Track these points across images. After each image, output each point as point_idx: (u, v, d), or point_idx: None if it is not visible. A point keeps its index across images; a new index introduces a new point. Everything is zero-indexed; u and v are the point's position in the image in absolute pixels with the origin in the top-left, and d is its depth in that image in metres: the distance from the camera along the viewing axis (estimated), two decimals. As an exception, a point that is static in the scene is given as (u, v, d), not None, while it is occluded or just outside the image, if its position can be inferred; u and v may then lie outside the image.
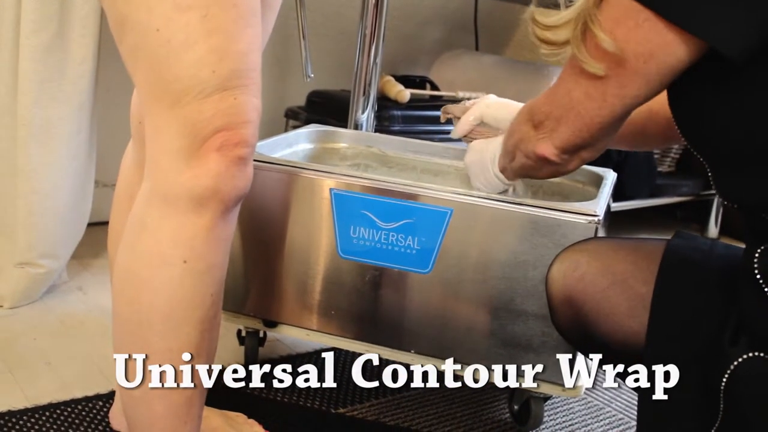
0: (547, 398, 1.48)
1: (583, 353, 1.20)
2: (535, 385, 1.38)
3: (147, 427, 1.02)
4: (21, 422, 1.37)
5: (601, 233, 1.33)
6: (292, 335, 1.50)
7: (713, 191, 2.90)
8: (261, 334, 1.63)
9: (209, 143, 0.95)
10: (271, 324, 1.49)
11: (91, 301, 1.91)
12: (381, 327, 1.43)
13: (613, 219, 1.53)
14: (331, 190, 1.41)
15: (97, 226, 2.24)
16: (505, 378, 1.39)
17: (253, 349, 1.62)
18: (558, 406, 1.60)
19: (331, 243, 1.41)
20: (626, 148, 1.38)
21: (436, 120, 2.33)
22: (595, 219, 1.30)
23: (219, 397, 1.40)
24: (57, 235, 1.86)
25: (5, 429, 1.35)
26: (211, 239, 0.97)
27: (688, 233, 1.05)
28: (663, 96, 0.99)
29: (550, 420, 1.55)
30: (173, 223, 0.96)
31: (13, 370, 1.56)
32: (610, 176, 1.57)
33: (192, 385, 1.00)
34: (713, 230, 2.95)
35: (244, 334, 1.61)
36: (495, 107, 1.36)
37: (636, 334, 0.99)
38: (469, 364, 1.41)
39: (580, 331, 1.10)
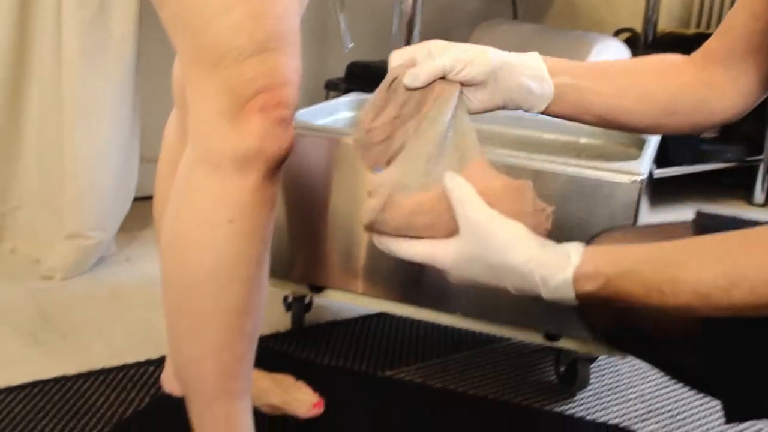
0: (593, 360, 1.48)
1: (620, 349, 1.14)
2: (578, 345, 1.39)
3: (199, 386, 1.03)
4: (75, 386, 1.41)
5: (644, 197, 1.32)
6: (339, 300, 1.51)
7: (759, 156, 2.86)
8: (307, 301, 1.65)
9: (251, 105, 0.95)
10: (318, 289, 1.50)
11: (138, 271, 1.94)
12: (426, 289, 1.44)
13: (656, 186, 1.51)
14: (373, 154, 1.41)
15: (143, 200, 2.27)
16: (550, 338, 1.39)
17: (299, 314, 1.64)
18: (604, 368, 1.60)
19: (375, 207, 1.42)
20: (646, 126, 1.07)
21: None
22: (639, 179, 1.30)
23: (267, 361, 1.41)
24: (104, 207, 1.89)
25: (60, 393, 1.39)
26: (255, 199, 0.98)
27: (709, 212, 0.99)
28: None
29: (597, 381, 1.55)
30: (218, 184, 0.97)
31: (66, 338, 1.60)
32: (653, 138, 1.55)
33: (242, 344, 1.02)
34: (759, 196, 2.91)
35: (290, 300, 1.63)
36: (467, 53, 0.93)
37: (682, 321, 0.87)
38: (515, 325, 1.41)
39: (616, 326, 1.04)
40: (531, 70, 0.95)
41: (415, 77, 0.89)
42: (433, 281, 1.43)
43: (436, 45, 0.93)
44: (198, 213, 0.97)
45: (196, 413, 1.05)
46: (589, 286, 0.79)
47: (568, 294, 0.80)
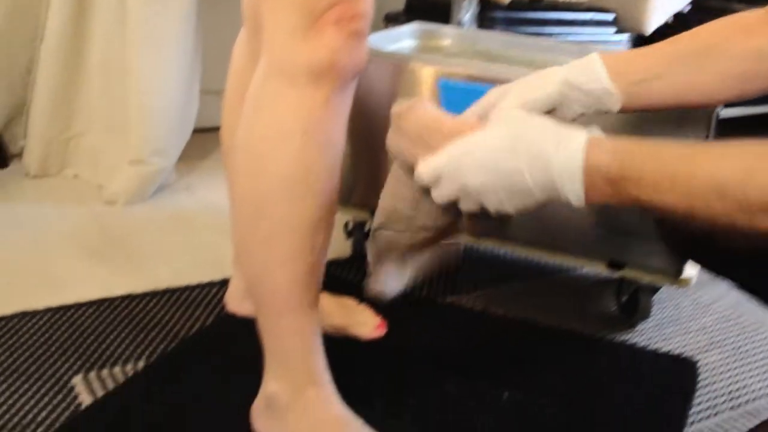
0: (655, 290, 1.47)
1: (695, 262, 1.11)
2: (642, 275, 1.38)
3: (270, 297, 1.04)
4: (141, 304, 1.44)
5: (713, 132, 1.30)
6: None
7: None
8: (367, 228, 1.66)
9: (326, 17, 0.95)
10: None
11: (199, 199, 1.96)
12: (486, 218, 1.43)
13: (720, 126, 1.46)
14: (437, 80, 1.40)
15: (202, 132, 2.28)
16: (614, 267, 1.38)
17: (359, 241, 1.64)
18: (665, 301, 1.59)
19: (440, 132, 1.41)
20: (726, 98, 1.04)
21: (538, 22, 2.30)
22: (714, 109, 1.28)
23: (328, 286, 1.42)
24: (166, 134, 1.91)
25: (127, 310, 1.42)
26: (329, 112, 0.98)
27: None
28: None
29: (658, 313, 1.54)
30: (292, 96, 0.97)
31: (130, 260, 1.62)
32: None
33: (313, 255, 1.02)
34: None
35: (351, 227, 1.64)
36: (526, 85, 1.00)
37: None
38: (578, 254, 1.40)
39: (693, 238, 1.02)
40: (594, 83, 0.96)
41: None
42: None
43: (497, 91, 0.99)
44: (272, 124, 0.98)
45: (265, 325, 1.06)
46: (602, 157, 0.76)
47: (577, 162, 0.77)
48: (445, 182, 0.84)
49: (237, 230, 1.07)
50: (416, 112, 0.90)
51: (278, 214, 0.99)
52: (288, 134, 0.97)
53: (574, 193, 0.78)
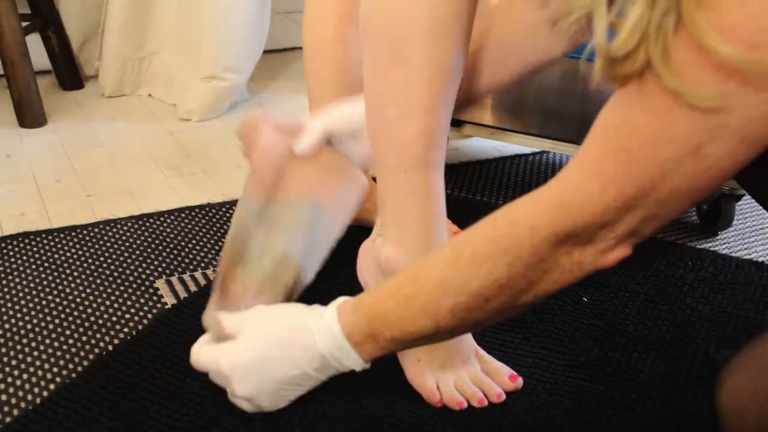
0: (739, 197, 1.44)
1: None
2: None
3: (398, 151, 0.99)
4: (220, 213, 1.46)
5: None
6: (476, 134, 1.50)
7: None
8: (441, 139, 1.65)
9: None
10: (456, 123, 1.49)
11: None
12: (567, 123, 1.41)
13: None
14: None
15: (273, 53, 2.29)
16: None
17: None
18: (746, 212, 1.55)
19: (517, 35, 1.38)
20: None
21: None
22: None
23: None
24: (239, 49, 1.91)
25: (207, 217, 1.44)
26: None
27: None
28: None
29: (739, 223, 1.51)
30: None
31: (207, 172, 1.64)
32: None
33: (445, 110, 0.98)
34: None
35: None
36: (341, 113, 1.13)
37: None
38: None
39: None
40: None
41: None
42: (576, 114, 1.40)
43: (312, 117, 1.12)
44: None
45: (389, 185, 1.01)
46: (350, 317, 0.84)
47: (338, 333, 0.84)
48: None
49: (368, 77, 1.02)
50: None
51: (414, 59, 0.95)
52: None
53: (354, 361, 0.85)
